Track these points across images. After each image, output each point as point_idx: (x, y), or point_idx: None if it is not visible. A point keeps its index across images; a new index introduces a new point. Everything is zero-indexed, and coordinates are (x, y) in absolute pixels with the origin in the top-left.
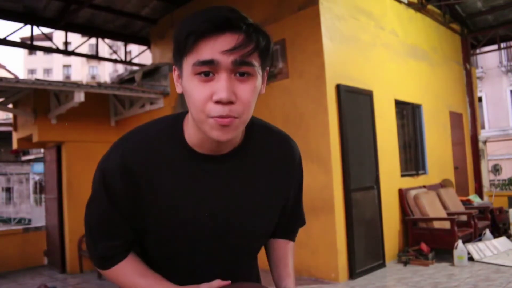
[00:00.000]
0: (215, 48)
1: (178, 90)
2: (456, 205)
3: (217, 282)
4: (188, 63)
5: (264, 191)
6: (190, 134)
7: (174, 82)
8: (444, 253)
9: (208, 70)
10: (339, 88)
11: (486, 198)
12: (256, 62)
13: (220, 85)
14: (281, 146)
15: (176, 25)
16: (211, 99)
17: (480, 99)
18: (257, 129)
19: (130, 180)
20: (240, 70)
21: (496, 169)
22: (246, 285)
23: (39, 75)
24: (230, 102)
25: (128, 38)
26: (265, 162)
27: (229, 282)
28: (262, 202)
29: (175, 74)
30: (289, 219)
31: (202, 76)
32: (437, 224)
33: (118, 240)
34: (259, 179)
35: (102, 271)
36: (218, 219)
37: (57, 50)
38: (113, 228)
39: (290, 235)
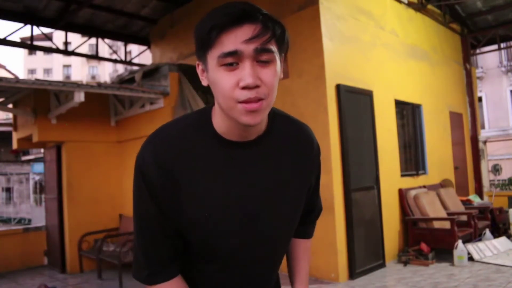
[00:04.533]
0: (237, 39)
1: (204, 83)
2: (456, 205)
3: None
4: (213, 56)
5: (288, 176)
6: (218, 122)
7: (174, 82)
8: (444, 253)
9: (232, 60)
10: (339, 88)
11: (486, 198)
12: (274, 49)
13: (246, 72)
14: (301, 135)
15: (176, 25)
16: (238, 86)
17: (480, 99)
18: (279, 119)
19: (164, 173)
20: (261, 58)
21: (496, 169)
22: None
23: (39, 75)
24: (256, 86)
25: (128, 38)
26: (288, 149)
27: None
28: (288, 186)
29: (199, 69)
30: (308, 210)
31: (227, 67)
32: (437, 224)
33: (166, 249)
34: (283, 165)
35: (148, 285)
36: (248, 200)
37: (57, 50)
38: (159, 233)
39: (309, 229)
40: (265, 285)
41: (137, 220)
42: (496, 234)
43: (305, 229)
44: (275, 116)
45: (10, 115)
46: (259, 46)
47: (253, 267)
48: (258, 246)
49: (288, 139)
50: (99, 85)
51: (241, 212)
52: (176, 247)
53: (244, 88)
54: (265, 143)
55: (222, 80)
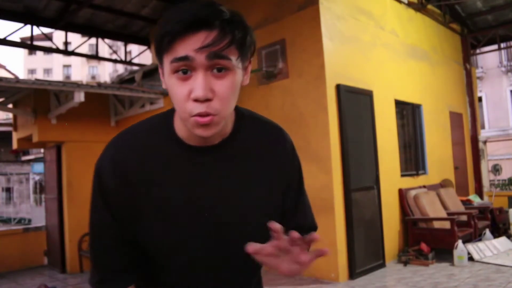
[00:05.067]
0: (189, 47)
1: (163, 86)
2: (456, 205)
3: None
4: (167, 61)
5: (255, 181)
6: (179, 126)
7: None
8: (444, 253)
9: (184, 67)
10: (339, 88)
11: (486, 198)
12: (233, 56)
13: (197, 83)
14: (271, 137)
15: None
16: (190, 97)
17: (480, 99)
18: (247, 120)
19: (123, 179)
20: (217, 66)
21: (496, 169)
22: None
23: (39, 75)
24: (207, 100)
25: (128, 38)
26: (255, 152)
27: None
28: (254, 191)
29: (160, 71)
30: (295, 226)
31: (180, 74)
32: (437, 224)
33: (119, 258)
34: (249, 168)
35: None
36: (210, 209)
37: (57, 50)
38: (112, 241)
39: None
40: None
41: (91, 226)
42: (496, 234)
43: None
44: (244, 117)
45: (10, 115)
46: (212, 52)
47: (219, 275)
48: (222, 255)
49: (256, 142)
50: (99, 85)
51: (203, 220)
52: (131, 256)
53: (195, 100)
54: (230, 147)
55: (175, 89)
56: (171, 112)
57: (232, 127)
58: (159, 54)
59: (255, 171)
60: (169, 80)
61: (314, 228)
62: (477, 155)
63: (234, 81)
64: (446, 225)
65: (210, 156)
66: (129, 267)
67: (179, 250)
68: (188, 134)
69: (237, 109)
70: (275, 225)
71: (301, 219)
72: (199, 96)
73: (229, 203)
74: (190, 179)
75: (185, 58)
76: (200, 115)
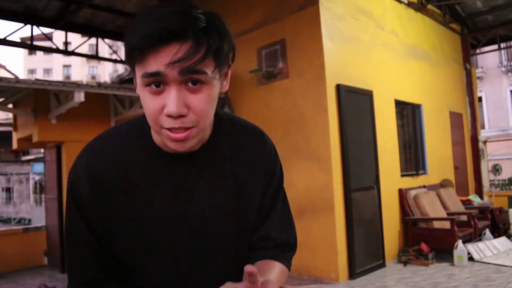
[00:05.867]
0: (161, 60)
1: (137, 92)
2: (456, 205)
3: None
4: (138, 74)
5: (235, 186)
6: (155, 133)
7: None
8: (444, 253)
9: (156, 81)
10: (339, 88)
11: (486, 198)
12: (209, 68)
13: (169, 99)
14: (252, 140)
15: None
16: (162, 112)
17: (480, 99)
18: (225, 124)
19: (97, 188)
20: (191, 79)
21: (496, 169)
22: None
23: (39, 75)
24: (181, 116)
25: None
26: (236, 156)
27: None
28: (232, 198)
29: (134, 80)
30: (262, 231)
31: (153, 87)
32: (437, 224)
33: (94, 271)
34: (227, 174)
35: None
36: (187, 215)
37: (57, 50)
38: (87, 253)
39: (285, 256)
40: None
41: (66, 238)
42: (496, 234)
43: (285, 256)
44: (222, 121)
45: (10, 115)
46: (185, 67)
47: (196, 284)
48: (199, 264)
49: (235, 146)
50: (99, 85)
51: (181, 229)
52: (106, 269)
53: (168, 116)
54: (209, 153)
55: (147, 103)
56: (144, 120)
57: (211, 132)
58: (130, 64)
59: (235, 175)
60: (141, 92)
61: (289, 246)
62: (477, 155)
63: (211, 94)
64: (446, 225)
65: (189, 163)
66: (108, 279)
67: (155, 261)
68: (163, 142)
69: (216, 113)
70: (251, 269)
71: (272, 229)
72: (171, 112)
73: (207, 212)
74: (169, 187)
75: (156, 74)
76: (174, 129)
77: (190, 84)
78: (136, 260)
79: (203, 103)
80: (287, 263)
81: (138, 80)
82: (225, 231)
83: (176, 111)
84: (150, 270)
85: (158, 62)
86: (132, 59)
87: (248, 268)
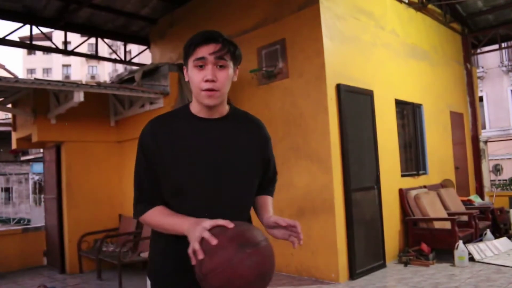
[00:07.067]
0: (205, 51)
1: (186, 79)
2: (456, 205)
3: (221, 221)
4: (191, 61)
5: (241, 143)
6: (194, 106)
7: (173, 81)
8: (444, 253)
9: (201, 63)
10: (339, 88)
11: (487, 198)
12: (228, 59)
13: (208, 72)
14: (253, 122)
15: (175, 24)
16: (203, 80)
17: (481, 99)
18: (238, 110)
19: (156, 139)
20: (219, 64)
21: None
22: (244, 226)
23: (39, 75)
24: (213, 81)
25: (127, 38)
26: (242, 128)
27: (231, 225)
28: (241, 150)
29: (185, 70)
30: (268, 181)
31: (199, 67)
32: (437, 224)
33: (152, 188)
34: (238, 136)
35: (141, 216)
36: (214, 157)
37: (57, 50)
38: (148, 176)
39: (270, 191)
40: None
41: (135, 169)
42: (497, 234)
43: (270, 191)
44: (235, 109)
45: (9, 115)
46: (217, 56)
47: (219, 210)
48: (222, 192)
49: (242, 123)
50: (99, 85)
51: (208, 164)
52: (159, 189)
53: (206, 81)
54: (225, 122)
55: (194, 76)
56: (187, 103)
57: (228, 112)
58: (186, 57)
59: (241, 138)
60: (192, 71)
61: (276, 180)
62: (478, 155)
63: (228, 73)
64: (447, 225)
65: (213, 124)
66: (157, 196)
67: (191, 186)
68: (199, 110)
69: (231, 105)
70: (286, 223)
71: (273, 177)
72: (209, 77)
73: (226, 155)
74: (200, 137)
75: (202, 58)
76: (208, 89)
77: (218, 66)
78: (182, 183)
79: (224, 77)
80: (272, 194)
81: (190, 65)
82: (237, 170)
83: (211, 77)
84: (192, 191)
85: (203, 52)
86: (188, 52)
87: (282, 223)
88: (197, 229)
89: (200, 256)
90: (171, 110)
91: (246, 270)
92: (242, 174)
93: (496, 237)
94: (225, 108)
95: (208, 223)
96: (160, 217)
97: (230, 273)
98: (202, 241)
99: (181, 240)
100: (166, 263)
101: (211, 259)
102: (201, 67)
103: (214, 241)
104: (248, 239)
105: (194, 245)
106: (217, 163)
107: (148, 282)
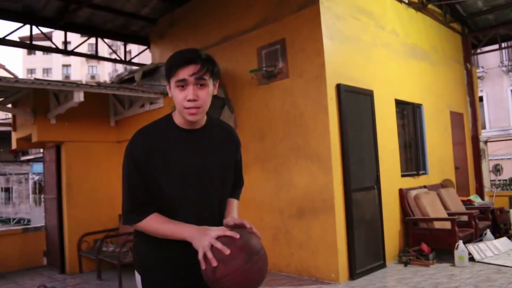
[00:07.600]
0: (185, 73)
1: (170, 95)
2: (456, 205)
3: (228, 232)
4: (173, 81)
5: (220, 151)
6: (177, 118)
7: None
8: (444, 253)
9: (183, 84)
10: (339, 87)
11: (487, 198)
12: (207, 78)
13: (190, 92)
14: (227, 130)
15: (175, 24)
16: (185, 99)
17: (481, 99)
18: (213, 120)
19: (146, 152)
20: (199, 83)
21: (497, 169)
22: (246, 236)
23: (39, 75)
24: (195, 100)
25: (127, 37)
26: (219, 136)
27: (237, 235)
28: (222, 158)
29: (167, 87)
30: (236, 182)
31: (180, 87)
32: (437, 224)
33: (144, 198)
34: (216, 144)
35: (135, 224)
36: (201, 164)
37: (57, 50)
38: (138, 187)
39: (237, 194)
40: (212, 225)
41: (125, 180)
42: (497, 234)
43: (237, 193)
44: (212, 118)
45: (9, 115)
46: (197, 77)
47: (209, 212)
48: (205, 196)
49: (219, 130)
50: (99, 85)
51: (192, 172)
52: (150, 197)
53: (189, 100)
54: (204, 131)
55: (177, 95)
56: (170, 113)
57: (206, 121)
58: (168, 77)
59: (219, 146)
60: (174, 91)
61: (243, 183)
62: (478, 155)
63: (208, 91)
64: (447, 225)
65: (195, 135)
66: (151, 204)
67: (178, 193)
68: (181, 122)
69: (209, 116)
70: (233, 223)
71: (240, 179)
72: (190, 97)
73: (207, 163)
74: (184, 147)
75: (183, 80)
76: (190, 108)
77: (199, 85)
78: (175, 191)
79: (205, 95)
80: (238, 197)
81: (172, 85)
82: (218, 173)
83: (192, 97)
84: (184, 198)
85: (184, 74)
86: (170, 73)
87: (231, 222)
88: (205, 238)
89: (214, 263)
90: (156, 120)
91: (253, 274)
92: (224, 178)
93: (496, 237)
94: (204, 118)
95: (214, 232)
96: (157, 224)
97: (242, 277)
98: (213, 249)
99: (173, 242)
100: (159, 261)
101: (226, 266)
102: (182, 87)
103: (227, 251)
104: (253, 248)
105: (207, 253)
106: (203, 170)
107: (138, 277)
